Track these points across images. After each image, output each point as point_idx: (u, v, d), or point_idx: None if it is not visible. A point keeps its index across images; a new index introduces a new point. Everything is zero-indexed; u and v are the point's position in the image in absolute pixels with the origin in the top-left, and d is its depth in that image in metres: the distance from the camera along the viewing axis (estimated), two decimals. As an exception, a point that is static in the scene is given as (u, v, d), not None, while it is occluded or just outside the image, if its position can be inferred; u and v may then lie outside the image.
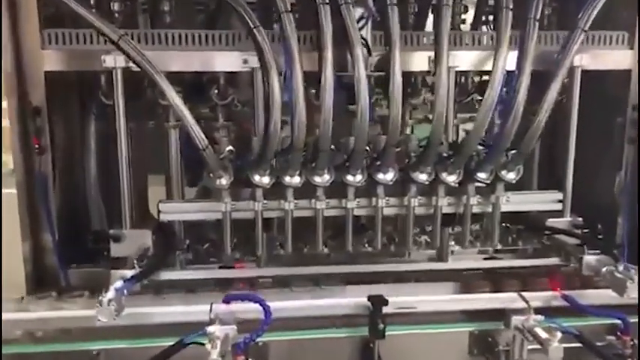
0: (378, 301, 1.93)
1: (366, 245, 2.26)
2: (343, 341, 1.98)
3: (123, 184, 2.05)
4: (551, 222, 2.25)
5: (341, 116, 1.92)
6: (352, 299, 2.00)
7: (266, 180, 1.94)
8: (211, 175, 1.91)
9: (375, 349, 1.95)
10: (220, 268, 2.17)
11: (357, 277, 2.15)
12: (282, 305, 1.95)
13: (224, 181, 1.94)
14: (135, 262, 1.97)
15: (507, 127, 1.83)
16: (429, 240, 2.24)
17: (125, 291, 1.73)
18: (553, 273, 2.16)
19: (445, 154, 2.00)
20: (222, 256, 2.15)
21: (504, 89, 1.86)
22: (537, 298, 2.01)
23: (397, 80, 1.77)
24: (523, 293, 2.01)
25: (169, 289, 2.04)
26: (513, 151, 1.97)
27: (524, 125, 1.89)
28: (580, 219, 2.23)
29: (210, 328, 1.75)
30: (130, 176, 2.05)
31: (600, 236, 2.28)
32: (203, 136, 1.78)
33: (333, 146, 1.94)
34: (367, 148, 1.95)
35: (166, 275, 2.06)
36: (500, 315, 1.99)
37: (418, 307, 2.01)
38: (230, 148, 1.95)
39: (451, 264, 2.23)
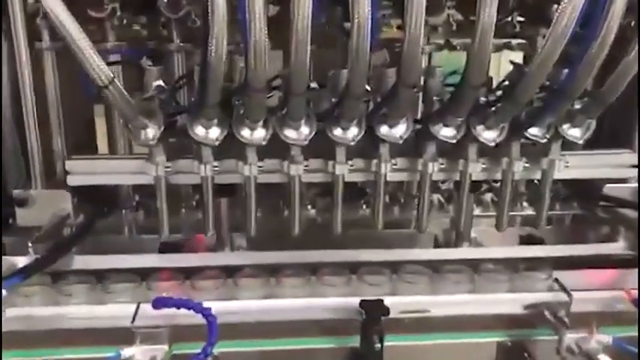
0: (373, 308, 1.33)
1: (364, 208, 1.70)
2: (326, 353, 1.41)
3: (28, 124, 1.47)
4: (610, 189, 1.66)
5: (328, 40, 1.32)
6: (336, 299, 1.42)
7: (214, 133, 1.30)
8: (129, 125, 1.25)
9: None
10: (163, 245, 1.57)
11: (349, 264, 1.55)
12: (239, 307, 1.40)
13: (150, 133, 1.29)
14: (30, 244, 1.41)
15: (590, 58, 1.15)
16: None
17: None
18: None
19: (484, 100, 1.34)
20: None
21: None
22: (595, 300, 1.43)
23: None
24: (576, 293, 1.42)
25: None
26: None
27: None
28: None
29: (125, 352, 1.21)
30: (48, 110, 1.47)
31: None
32: (104, 67, 1.11)
33: (315, 84, 1.28)
34: (367, 87, 1.27)
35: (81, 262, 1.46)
36: (541, 320, 1.43)
37: (432, 311, 1.43)
38: (159, 83, 1.28)
39: (475, 251, 1.62)
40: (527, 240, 1.71)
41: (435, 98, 1.36)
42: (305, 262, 1.52)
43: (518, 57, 1.62)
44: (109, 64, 1.43)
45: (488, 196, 1.79)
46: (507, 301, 1.47)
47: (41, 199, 1.51)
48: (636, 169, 1.58)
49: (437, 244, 1.74)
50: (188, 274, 1.48)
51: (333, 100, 1.34)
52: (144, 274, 1.47)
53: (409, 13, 1.09)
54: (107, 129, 1.72)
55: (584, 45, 1.16)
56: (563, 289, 1.46)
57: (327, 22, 1.42)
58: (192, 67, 1.39)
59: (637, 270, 1.44)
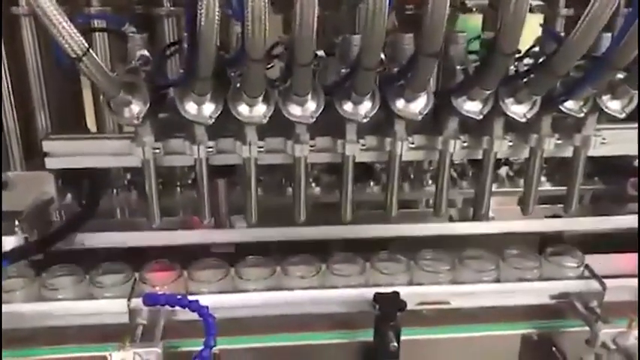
0: (389, 303, 1.20)
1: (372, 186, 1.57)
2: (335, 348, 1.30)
3: (3, 98, 1.33)
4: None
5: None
6: (346, 290, 1.30)
7: (207, 110, 1.14)
8: (110, 103, 1.09)
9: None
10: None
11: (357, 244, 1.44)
12: (242, 300, 1.29)
13: (135, 110, 1.13)
14: (17, 224, 1.29)
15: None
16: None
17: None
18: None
19: (514, 70, 1.17)
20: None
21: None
22: (629, 287, 1.33)
23: None
24: (609, 280, 1.32)
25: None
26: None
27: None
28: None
29: (116, 356, 1.08)
30: (29, 83, 1.34)
31: None
32: (76, 36, 0.94)
33: (322, 52, 1.12)
34: (382, 55, 1.10)
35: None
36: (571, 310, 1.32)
37: (452, 302, 1.33)
38: (143, 52, 1.11)
39: (498, 224, 1.47)
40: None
41: (458, 68, 1.19)
42: (310, 239, 1.40)
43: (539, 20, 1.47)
44: (92, 30, 1.29)
45: (503, 170, 1.66)
46: (534, 291, 1.36)
47: (21, 182, 1.38)
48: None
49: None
50: (185, 263, 1.35)
51: (343, 70, 1.18)
52: (136, 264, 1.34)
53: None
54: (94, 102, 1.56)
55: (633, 8, 0.99)
56: (595, 276, 1.34)
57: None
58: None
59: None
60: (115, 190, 1.54)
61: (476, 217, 1.48)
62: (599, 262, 1.40)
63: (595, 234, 1.55)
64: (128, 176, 1.54)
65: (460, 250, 1.40)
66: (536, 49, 1.29)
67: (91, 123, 1.65)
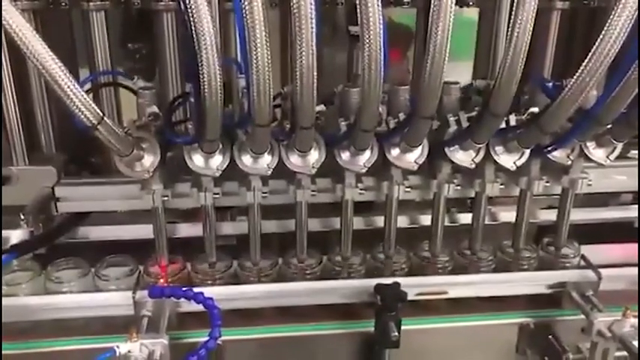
0: (390, 294, 1.26)
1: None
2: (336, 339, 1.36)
3: (5, 91, 1.35)
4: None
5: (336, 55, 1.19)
6: (346, 281, 1.37)
7: (214, 163, 1.20)
8: (119, 157, 1.15)
9: (385, 358, 1.33)
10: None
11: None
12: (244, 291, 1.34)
13: (147, 164, 1.19)
14: (23, 219, 1.33)
15: (628, 83, 1.04)
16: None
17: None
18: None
19: (505, 121, 1.23)
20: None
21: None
22: (624, 276, 1.40)
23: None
24: (604, 270, 1.39)
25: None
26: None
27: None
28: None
29: (123, 347, 1.10)
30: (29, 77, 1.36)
31: None
32: (91, 105, 0.99)
33: (322, 106, 1.18)
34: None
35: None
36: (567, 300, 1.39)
37: (450, 292, 1.38)
38: (153, 110, 1.16)
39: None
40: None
41: (450, 117, 1.25)
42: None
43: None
44: (102, 86, 1.34)
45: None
46: (530, 280, 1.42)
47: (24, 176, 1.39)
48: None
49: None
50: (189, 255, 1.40)
51: (341, 121, 1.24)
52: (140, 257, 1.38)
53: (432, 39, 0.97)
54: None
55: (621, 69, 1.05)
56: (591, 266, 1.39)
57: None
58: (186, 87, 1.28)
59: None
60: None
61: (473, 250, 1.54)
62: (595, 252, 1.45)
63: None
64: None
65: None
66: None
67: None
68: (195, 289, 1.20)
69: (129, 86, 1.20)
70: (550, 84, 1.24)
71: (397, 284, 1.26)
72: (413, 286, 1.30)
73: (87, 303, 1.28)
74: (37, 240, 1.34)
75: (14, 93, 1.37)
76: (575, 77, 1.02)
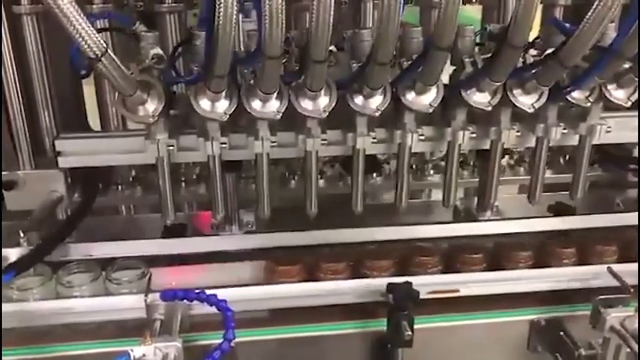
0: (402, 293, 1.22)
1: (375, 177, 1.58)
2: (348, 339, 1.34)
3: (11, 97, 1.33)
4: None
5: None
6: (357, 281, 1.33)
7: (221, 107, 1.15)
8: (125, 101, 1.10)
9: (398, 357, 1.29)
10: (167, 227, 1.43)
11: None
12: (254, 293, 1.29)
13: (150, 109, 1.14)
14: (21, 235, 1.30)
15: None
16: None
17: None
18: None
19: (521, 62, 1.19)
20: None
21: None
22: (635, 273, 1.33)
23: None
24: (615, 266, 1.34)
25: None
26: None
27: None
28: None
29: (136, 352, 1.08)
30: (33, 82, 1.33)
31: None
32: (95, 36, 0.94)
33: (334, 47, 1.13)
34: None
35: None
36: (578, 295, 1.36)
37: (462, 290, 1.34)
38: (157, 51, 1.11)
39: (504, 225, 1.49)
40: (556, 209, 1.58)
41: (465, 59, 1.21)
42: (318, 243, 1.41)
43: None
44: (104, 29, 1.30)
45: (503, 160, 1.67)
46: (541, 277, 1.38)
47: (31, 180, 1.37)
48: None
49: (456, 213, 1.62)
50: (199, 258, 1.37)
51: (354, 64, 1.19)
52: (150, 259, 1.35)
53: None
54: (98, 100, 1.56)
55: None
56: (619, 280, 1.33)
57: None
58: (188, 30, 1.25)
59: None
60: (119, 187, 1.54)
61: (481, 207, 1.50)
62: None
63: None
64: (133, 173, 1.55)
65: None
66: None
67: (93, 122, 1.65)
68: (208, 292, 1.18)
69: (131, 30, 1.15)
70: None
71: (409, 283, 1.24)
72: (424, 285, 1.27)
73: (99, 307, 1.25)
74: (33, 255, 1.28)
75: (20, 96, 1.37)
76: (593, 7, 0.98)
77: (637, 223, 1.45)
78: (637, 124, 1.38)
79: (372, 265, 1.35)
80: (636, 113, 1.38)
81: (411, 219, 1.52)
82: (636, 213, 1.53)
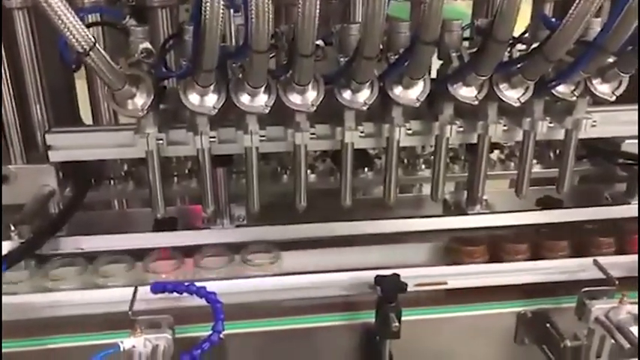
0: (390, 285, 1.24)
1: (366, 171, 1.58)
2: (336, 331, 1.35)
3: (2, 91, 1.33)
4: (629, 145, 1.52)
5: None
6: (345, 274, 1.33)
7: (210, 101, 1.16)
8: (114, 95, 1.11)
9: (385, 348, 1.30)
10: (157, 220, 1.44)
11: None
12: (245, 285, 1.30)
13: (139, 103, 1.15)
14: (12, 228, 1.30)
15: (632, 6, 1.02)
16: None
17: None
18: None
19: (508, 56, 1.20)
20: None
21: None
22: (620, 264, 1.37)
23: None
24: (601, 259, 1.37)
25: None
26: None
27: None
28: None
29: (126, 343, 1.10)
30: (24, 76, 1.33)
31: None
32: (83, 30, 0.95)
33: (321, 42, 1.14)
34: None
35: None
36: (564, 288, 1.37)
37: (449, 282, 1.35)
38: (146, 45, 1.12)
39: (493, 218, 1.50)
40: (544, 202, 1.60)
41: (452, 53, 1.22)
42: (310, 237, 1.43)
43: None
44: (93, 24, 1.30)
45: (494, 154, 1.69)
46: (527, 269, 1.39)
47: (22, 174, 1.38)
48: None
49: (446, 207, 1.64)
50: (189, 251, 1.38)
51: (341, 58, 1.20)
52: (139, 253, 1.36)
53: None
54: (90, 94, 1.57)
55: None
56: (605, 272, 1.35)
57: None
58: (179, 25, 1.25)
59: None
60: (111, 181, 1.55)
61: (470, 201, 1.52)
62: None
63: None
64: (125, 167, 1.56)
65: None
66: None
67: (85, 115, 1.66)
68: (198, 284, 1.19)
69: (121, 24, 1.16)
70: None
71: (397, 275, 1.25)
72: (412, 277, 1.28)
73: (88, 300, 1.25)
74: (24, 248, 1.29)
75: (11, 90, 1.37)
76: (576, 2, 0.99)
77: (633, 215, 1.47)
78: (627, 118, 1.41)
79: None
80: (623, 107, 1.40)
81: (401, 213, 1.53)
82: (624, 206, 1.56)
